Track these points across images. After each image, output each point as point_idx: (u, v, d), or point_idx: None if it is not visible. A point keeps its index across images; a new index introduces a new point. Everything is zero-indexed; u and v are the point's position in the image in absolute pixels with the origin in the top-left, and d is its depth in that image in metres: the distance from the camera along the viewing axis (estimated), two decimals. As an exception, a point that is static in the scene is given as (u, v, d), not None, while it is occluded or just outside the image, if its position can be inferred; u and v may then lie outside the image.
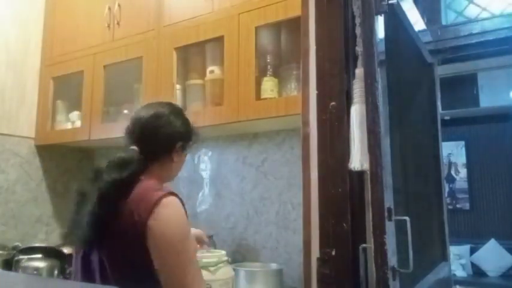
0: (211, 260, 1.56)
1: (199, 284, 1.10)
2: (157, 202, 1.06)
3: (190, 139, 1.31)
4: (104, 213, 1.06)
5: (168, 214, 1.06)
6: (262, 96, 1.81)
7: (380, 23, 1.21)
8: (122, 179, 1.10)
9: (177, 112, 1.31)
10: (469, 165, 4.86)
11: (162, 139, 1.22)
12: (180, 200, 1.13)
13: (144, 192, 1.09)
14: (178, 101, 2.08)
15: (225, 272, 1.59)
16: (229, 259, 1.67)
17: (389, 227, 1.09)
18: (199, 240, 1.54)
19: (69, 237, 1.18)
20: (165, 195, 1.08)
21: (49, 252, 1.95)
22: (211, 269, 1.52)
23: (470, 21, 3.99)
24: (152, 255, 1.04)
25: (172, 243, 1.05)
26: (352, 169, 1.15)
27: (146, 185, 1.13)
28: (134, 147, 1.20)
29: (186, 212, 1.13)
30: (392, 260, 1.08)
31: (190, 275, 1.06)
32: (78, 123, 2.43)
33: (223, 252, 1.70)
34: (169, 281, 1.04)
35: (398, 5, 1.43)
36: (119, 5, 2.29)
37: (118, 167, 1.13)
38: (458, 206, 4.84)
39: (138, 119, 1.23)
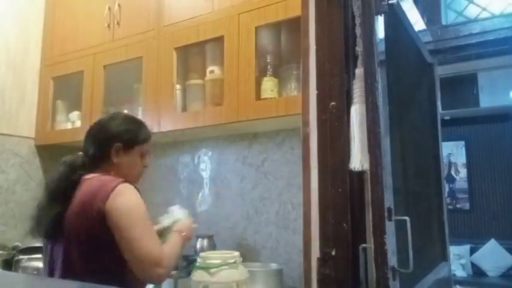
0: (214, 261, 1.43)
1: (157, 245, 1.28)
2: (113, 189, 1.26)
3: (131, 139, 1.42)
4: (58, 208, 1.29)
5: (122, 197, 1.26)
6: (262, 96, 1.81)
7: (380, 23, 1.21)
8: (66, 178, 1.34)
9: (115, 117, 1.48)
10: (469, 165, 4.86)
11: (97, 144, 1.41)
12: (135, 187, 1.33)
13: (101, 184, 1.28)
14: (178, 101, 2.09)
15: (229, 274, 1.42)
16: (238, 260, 1.50)
17: (389, 227, 1.09)
18: (189, 229, 1.52)
19: (34, 230, 1.36)
20: (119, 183, 1.28)
21: (49, 252, 1.94)
22: (212, 270, 1.41)
23: (470, 21, 3.98)
24: (113, 231, 1.23)
25: (132, 218, 1.24)
26: (352, 169, 1.15)
27: (102, 178, 1.32)
28: (80, 153, 1.43)
29: (140, 196, 1.32)
30: (392, 260, 1.08)
31: (147, 240, 1.25)
32: (78, 123, 2.43)
33: (234, 253, 1.53)
34: (131, 252, 1.23)
35: (398, 5, 1.43)
36: (118, 5, 2.29)
37: (64, 167, 1.38)
38: (458, 206, 4.84)
39: (87, 131, 1.46)
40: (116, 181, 1.29)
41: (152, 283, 1.41)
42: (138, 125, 1.47)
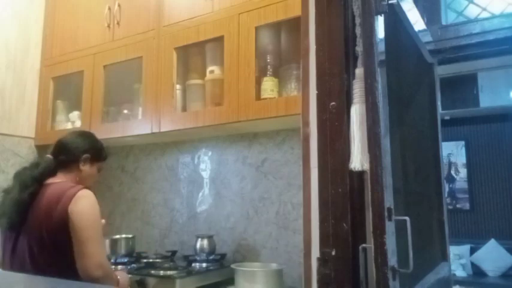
0: None
1: (103, 252, 1.48)
2: (75, 193, 1.44)
3: (96, 155, 1.67)
4: (23, 200, 1.47)
5: (83, 201, 1.45)
6: (262, 96, 1.81)
7: (380, 23, 1.21)
8: (37, 174, 1.53)
9: (86, 135, 1.72)
10: (469, 165, 4.86)
11: (69, 150, 1.62)
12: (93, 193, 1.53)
13: (63, 188, 1.48)
14: (178, 101, 2.09)
15: None
16: None
17: (390, 227, 1.09)
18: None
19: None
20: (80, 189, 1.47)
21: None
22: None
23: (470, 21, 3.98)
24: (71, 232, 1.41)
25: (87, 222, 1.43)
26: (352, 169, 1.15)
27: (63, 184, 1.52)
28: (49, 156, 1.62)
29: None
30: (392, 260, 1.08)
31: (96, 245, 1.43)
32: (78, 123, 2.43)
33: None
34: (80, 249, 1.40)
35: (398, 5, 1.43)
36: (118, 5, 2.29)
37: (35, 166, 1.58)
38: (458, 206, 4.84)
39: (59, 140, 1.66)
40: (78, 187, 1.49)
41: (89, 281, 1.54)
42: (102, 145, 1.73)
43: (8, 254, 1.52)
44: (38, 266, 1.42)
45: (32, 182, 1.51)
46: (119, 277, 1.53)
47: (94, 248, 1.41)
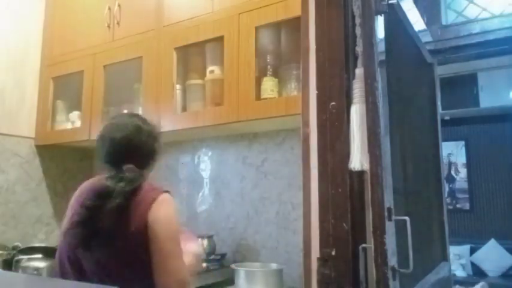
0: None
1: (186, 268, 1.27)
2: (156, 198, 1.26)
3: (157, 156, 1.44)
4: (115, 221, 1.22)
5: (166, 208, 1.27)
6: (262, 96, 1.81)
7: (380, 23, 1.21)
8: (131, 192, 1.26)
9: (148, 122, 1.43)
10: (469, 165, 4.86)
11: (148, 152, 1.39)
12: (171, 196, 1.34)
13: (143, 193, 1.28)
14: (178, 101, 2.09)
15: None
16: None
17: (390, 227, 1.09)
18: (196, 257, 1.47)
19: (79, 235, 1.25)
20: (162, 192, 1.30)
21: (49, 252, 1.94)
22: None
23: (470, 21, 3.98)
24: (151, 241, 1.22)
25: (170, 232, 1.25)
26: (352, 169, 1.15)
27: (146, 186, 1.31)
28: (130, 165, 1.31)
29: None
30: (392, 260, 1.08)
31: (179, 259, 1.25)
32: (78, 123, 2.43)
33: None
34: (162, 265, 1.22)
35: (398, 5, 1.43)
36: (118, 5, 2.29)
37: (129, 181, 1.27)
38: (458, 206, 4.84)
39: (121, 135, 1.35)
40: (158, 189, 1.30)
41: None
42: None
43: (67, 270, 1.29)
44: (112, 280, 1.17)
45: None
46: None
47: (178, 263, 1.23)
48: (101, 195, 1.25)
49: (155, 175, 2.42)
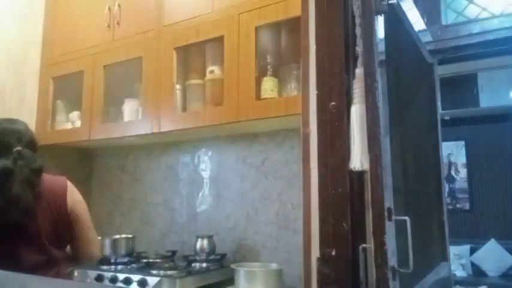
0: None
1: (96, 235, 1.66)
2: (65, 185, 1.56)
3: None
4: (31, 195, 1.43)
5: (74, 191, 1.59)
6: (262, 96, 1.81)
7: (380, 23, 1.21)
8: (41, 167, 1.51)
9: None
10: (469, 165, 4.86)
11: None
12: None
13: (52, 180, 1.55)
14: (178, 101, 2.09)
15: None
16: None
17: (390, 227, 1.09)
18: None
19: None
20: (65, 180, 1.59)
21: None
22: None
23: (470, 21, 3.98)
24: (71, 217, 1.53)
25: (82, 208, 1.57)
26: (352, 169, 1.15)
27: (48, 177, 1.55)
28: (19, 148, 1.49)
29: None
30: (392, 260, 1.08)
31: (94, 230, 1.62)
32: (78, 123, 2.43)
33: None
34: (85, 236, 1.57)
35: (398, 5, 1.43)
36: (118, 5, 2.29)
37: (33, 158, 1.50)
38: (458, 206, 4.84)
39: (19, 130, 1.56)
40: (62, 178, 1.58)
41: (90, 262, 1.74)
42: None
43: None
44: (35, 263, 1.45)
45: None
46: None
47: (94, 234, 1.58)
48: (1, 173, 1.39)
49: (155, 175, 2.43)
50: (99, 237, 1.77)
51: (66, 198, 1.52)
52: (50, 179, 1.53)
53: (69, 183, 1.58)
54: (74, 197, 1.56)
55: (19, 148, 1.46)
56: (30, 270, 1.36)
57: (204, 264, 1.95)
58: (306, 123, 1.26)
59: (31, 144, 1.53)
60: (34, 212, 1.43)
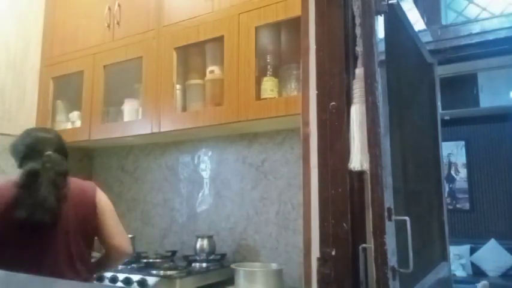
0: None
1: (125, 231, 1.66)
2: (94, 188, 1.61)
3: None
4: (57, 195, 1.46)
5: (102, 194, 1.63)
6: (262, 96, 1.81)
7: (380, 23, 1.21)
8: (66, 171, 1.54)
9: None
10: (469, 165, 4.86)
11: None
12: None
13: (82, 183, 1.61)
14: (178, 101, 2.09)
15: None
16: None
17: (390, 227, 1.09)
18: None
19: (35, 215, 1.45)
20: (94, 184, 1.64)
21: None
22: None
23: (470, 21, 3.98)
24: (99, 218, 1.57)
25: (110, 209, 1.62)
26: (352, 169, 1.15)
27: (78, 180, 1.61)
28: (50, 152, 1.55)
29: None
30: (392, 260, 1.08)
31: (121, 225, 1.64)
32: (78, 123, 2.43)
33: None
34: (114, 230, 1.59)
35: (398, 5, 1.43)
36: (119, 5, 2.29)
37: (60, 162, 1.54)
38: (458, 206, 4.84)
39: (51, 138, 1.63)
40: (89, 182, 1.65)
41: (121, 261, 1.75)
42: None
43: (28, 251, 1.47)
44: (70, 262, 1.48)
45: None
46: None
47: (123, 229, 1.63)
48: (30, 174, 1.46)
49: (155, 175, 2.43)
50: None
51: (95, 199, 1.57)
52: (79, 182, 1.60)
53: (97, 187, 1.64)
54: (102, 198, 1.61)
55: (49, 152, 1.53)
56: (52, 273, 1.37)
57: (204, 264, 1.95)
58: (306, 123, 1.27)
59: (61, 149, 1.59)
60: (58, 212, 1.45)
